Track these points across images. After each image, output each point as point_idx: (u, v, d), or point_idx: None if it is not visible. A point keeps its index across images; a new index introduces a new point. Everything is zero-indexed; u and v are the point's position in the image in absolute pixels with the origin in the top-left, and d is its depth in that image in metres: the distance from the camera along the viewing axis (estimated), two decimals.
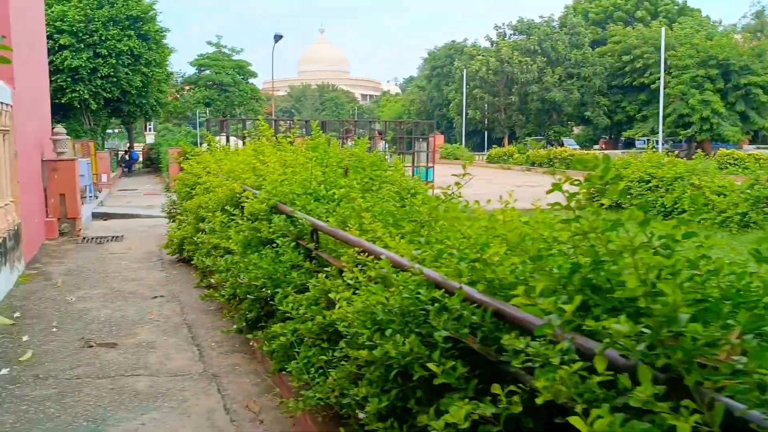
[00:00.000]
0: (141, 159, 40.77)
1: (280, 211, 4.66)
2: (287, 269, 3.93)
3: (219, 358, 4.97)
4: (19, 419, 3.86)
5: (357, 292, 2.84)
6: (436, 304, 2.21)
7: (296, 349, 3.55)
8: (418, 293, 2.26)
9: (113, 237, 10.58)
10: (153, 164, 36.43)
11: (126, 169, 35.09)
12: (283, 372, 4.07)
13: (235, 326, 5.07)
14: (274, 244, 4.54)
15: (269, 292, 4.06)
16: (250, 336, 4.66)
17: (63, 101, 26.48)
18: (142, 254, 9.18)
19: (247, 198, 5.39)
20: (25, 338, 5.36)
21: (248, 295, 4.74)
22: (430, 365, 2.06)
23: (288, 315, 3.61)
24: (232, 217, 5.88)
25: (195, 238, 7.27)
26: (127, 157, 36.64)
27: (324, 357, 3.14)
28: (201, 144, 49.94)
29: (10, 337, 5.42)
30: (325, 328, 3.30)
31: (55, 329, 5.64)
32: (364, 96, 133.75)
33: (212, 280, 6.16)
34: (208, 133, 11.05)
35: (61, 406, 4.06)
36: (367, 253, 3.06)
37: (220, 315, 6.04)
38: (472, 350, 2.12)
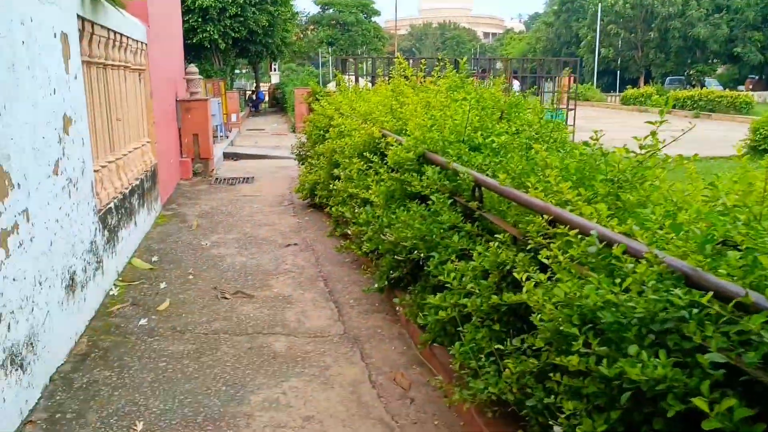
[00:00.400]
0: (267, 99, 41.59)
1: (429, 161, 4.11)
2: (444, 231, 3.39)
3: (359, 319, 4.58)
4: (157, 378, 3.65)
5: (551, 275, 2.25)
6: (695, 311, 1.59)
7: (458, 328, 3.04)
8: (668, 293, 1.63)
9: (244, 178, 10.54)
10: (278, 104, 37.04)
11: (253, 109, 35.87)
12: (434, 344, 3.60)
13: (376, 285, 4.65)
14: (425, 201, 4.01)
15: (422, 255, 3.56)
16: (396, 300, 4.20)
17: (194, 41, 27.08)
18: (273, 197, 9.02)
19: (389, 145, 4.88)
20: (162, 285, 5.23)
21: (394, 255, 4.28)
22: (697, 401, 1.45)
23: (446, 284, 3.09)
24: (370, 165, 5.41)
25: (328, 185, 6.92)
26: (254, 96, 37.40)
27: (500, 346, 2.60)
28: (325, 84, 50.29)
29: (149, 283, 5.31)
30: (496, 307, 2.75)
31: (191, 276, 5.49)
32: (486, 34, 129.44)
33: (348, 231, 5.78)
34: (338, 72, 10.60)
35: (199, 365, 3.82)
36: (557, 223, 2.45)
37: (357, 269, 5.66)
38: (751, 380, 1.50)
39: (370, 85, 12.45)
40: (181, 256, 6.08)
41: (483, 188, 3.34)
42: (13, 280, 3.11)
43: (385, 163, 5.02)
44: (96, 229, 4.78)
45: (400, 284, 4.56)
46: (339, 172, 6.18)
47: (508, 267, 2.73)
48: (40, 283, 3.49)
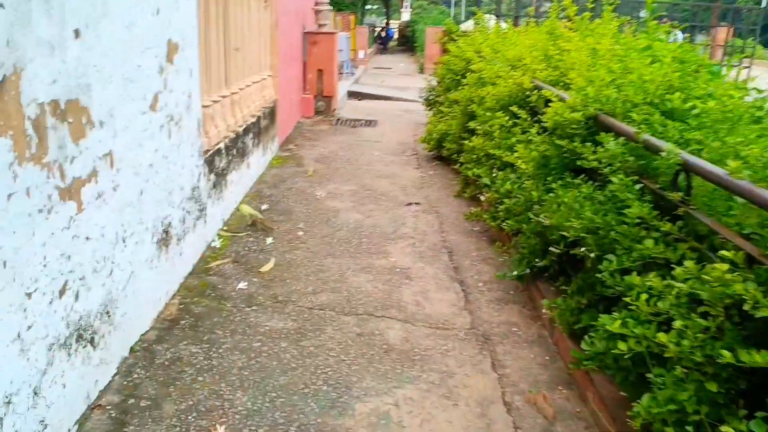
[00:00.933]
0: (396, 37, 40.62)
1: (605, 126, 3.17)
2: (628, 227, 2.50)
3: (489, 309, 3.80)
4: (249, 363, 3.07)
5: None
6: None
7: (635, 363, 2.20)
8: None
9: (367, 121, 9.86)
10: (407, 43, 35.99)
11: (381, 46, 35.08)
12: (589, 366, 2.76)
13: (514, 272, 3.83)
14: (591, 178, 3.11)
15: (592, 254, 2.69)
16: (544, 302, 3.37)
17: None
18: (395, 145, 8.29)
19: (546, 99, 3.96)
20: (268, 241, 4.68)
21: (543, 242, 3.44)
22: None
23: (628, 304, 2.23)
24: (516, 122, 4.52)
25: (460, 138, 6.08)
26: (383, 34, 36.54)
27: (729, 416, 1.74)
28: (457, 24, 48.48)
29: (254, 236, 4.77)
30: (715, 357, 1.88)
31: (301, 232, 4.90)
32: None
33: (481, 196, 4.95)
34: (479, 10, 9.53)
35: (299, 351, 3.21)
36: None
37: (489, 243, 4.85)
38: None
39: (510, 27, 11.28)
40: (293, 207, 5.51)
41: (693, 176, 2.40)
42: (87, 239, 2.57)
43: (537, 122, 4.11)
44: (200, 173, 4.24)
45: (545, 273, 3.72)
46: (475, 126, 5.32)
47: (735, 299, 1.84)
48: (124, 240, 2.96)
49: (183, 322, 3.43)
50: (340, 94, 11.24)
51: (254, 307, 3.65)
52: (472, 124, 5.42)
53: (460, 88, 6.88)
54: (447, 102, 7.50)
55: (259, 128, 6.33)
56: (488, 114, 4.90)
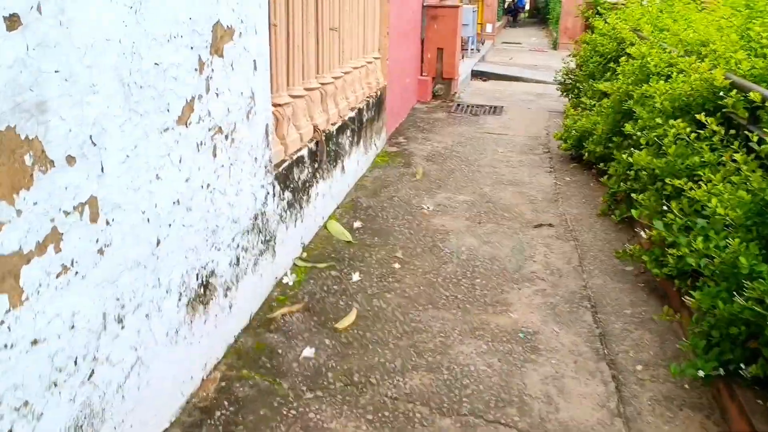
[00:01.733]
0: (527, 8, 38.36)
1: None
2: None
3: (654, 417, 2.59)
4: None
5: None
6: None
7: None
8: None
9: (491, 107, 8.60)
10: (539, 14, 33.77)
11: (511, 18, 33.09)
12: None
13: (699, 369, 2.57)
14: None
15: None
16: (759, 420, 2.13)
17: None
18: (524, 139, 7.01)
19: (753, 107, 2.63)
20: (354, 277, 3.67)
21: (752, 332, 2.19)
22: None
23: None
24: (700, 133, 3.20)
25: (609, 140, 4.79)
26: (513, 5, 34.48)
27: None
28: None
29: (339, 268, 3.79)
30: None
31: (397, 264, 3.86)
32: None
33: (640, 232, 3.68)
34: None
35: None
36: None
37: (647, 293, 3.58)
38: None
39: None
40: (392, 225, 4.47)
41: None
42: (33, 343, 1.66)
43: (736, 138, 2.80)
44: (268, 194, 3.29)
45: (744, 370, 2.46)
46: (634, 132, 4.01)
47: None
48: (120, 320, 2.04)
49: (219, 413, 2.50)
50: (462, 76, 10.03)
51: (318, 393, 2.65)
52: (628, 128, 4.10)
53: (609, 76, 5.53)
54: (590, 92, 6.14)
55: (360, 123, 5.32)
56: (657, 120, 3.58)
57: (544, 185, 5.44)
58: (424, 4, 8.50)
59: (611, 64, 5.89)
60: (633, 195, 3.68)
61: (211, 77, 2.55)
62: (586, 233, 4.44)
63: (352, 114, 5.08)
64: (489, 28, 18.24)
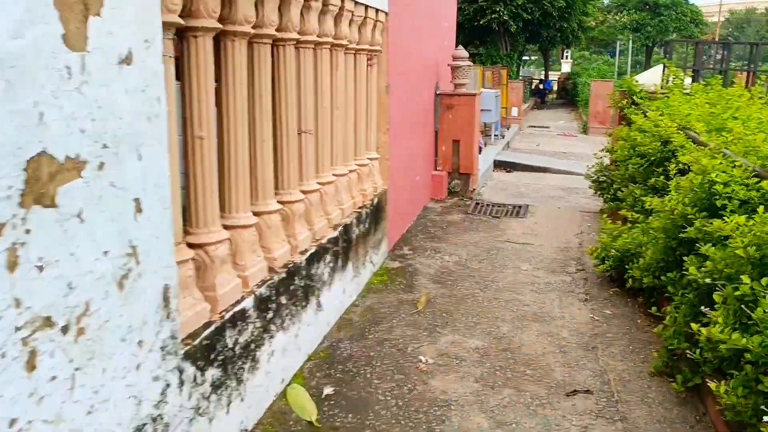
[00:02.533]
0: (555, 89, 38.05)
1: None
2: None
3: None
4: None
5: None
6: None
7: None
8: None
9: (514, 207, 7.53)
10: (567, 96, 33.26)
11: (539, 100, 32.61)
12: None
13: None
14: None
15: None
16: None
17: (481, 23, 24.65)
18: (552, 251, 5.89)
19: None
20: None
21: None
22: None
23: None
24: None
25: (662, 266, 3.67)
26: (540, 86, 34.10)
27: None
28: (625, 77, 44.74)
29: None
30: None
31: None
32: None
33: (715, 404, 2.49)
34: (671, 64, 7.00)
35: None
36: None
37: None
38: None
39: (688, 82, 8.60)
40: (375, 391, 3.34)
41: None
42: None
43: None
44: (167, 386, 2.22)
45: None
46: (699, 276, 2.89)
47: None
48: None
49: None
50: (484, 167, 9.05)
51: None
52: (693, 271, 2.98)
53: (655, 182, 4.47)
54: (631, 199, 5.05)
55: (348, 242, 4.29)
56: (739, 270, 2.46)
57: (578, 322, 4.28)
58: (437, 92, 7.62)
59: (656, 168, 4.82)
60: (705, 370, 2.53)
61: (21, 243, 1.53)
62: (637, 407, 3.24)
63: (335, 234, 4.05)
64: (515, 111, 17.49)
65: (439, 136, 7.80)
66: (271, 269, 3.17)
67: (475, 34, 27.04)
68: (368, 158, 5.03)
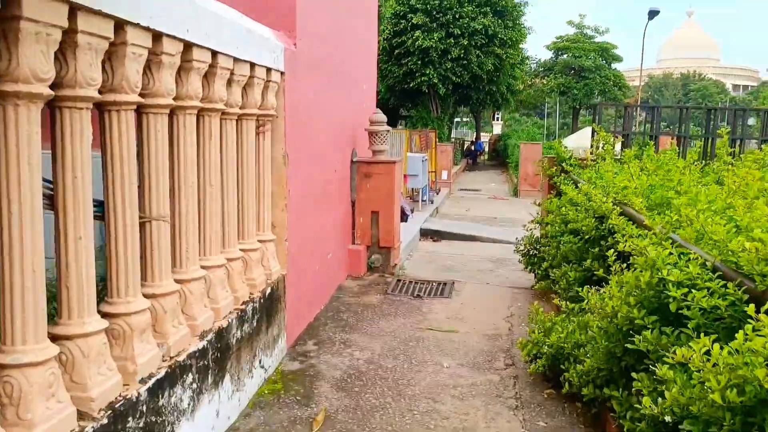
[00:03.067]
0: (487, 150, 38.50)
1: None
2: None
3: None
4: None
5: None
6: None
7: None
8: None
9: (439, 285, 6.81)
10: (499, 156, 33.57)
11: (471, 161, 32.77)
12: None
13: None
14: None
15: None
16: None
17: (411, 86, 24.61)
18: (479, 340, 5.16)
19: None
20: None
21: None
22: None
23: None
24: None
25: (607, 371, 2.98)
26: (472, 147, 34.37)
27: None
28: (553, 139, 45.88)
29: None
30: None
31: None
32: (736, 87, 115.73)
33: None
34: (601, 128, 6.56)
35: None
36: None
37: None
38: None
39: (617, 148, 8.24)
40: None
41: None
42: None
43: None
44: None
45: None
46: (648, 399, 2.18)
47: None
48: None
49: None
50: (408, 238, 8.37)
51: None
52: (645, 400, 2.28)
53: (590, 264, 3.84)
54: (564, 282, 4.41)
55: (222, 350, 3.43)
56: (718, 415, 1.76)
57: None
58: (354, 160, 6.95)
59: (592, 248, 4.20)
60: None
61: None
62: None
63: (202, 344, 3.19)
64: (444, 174, 17.11)
65: (357, 207, 7.08)
66: (84, 416, 2.29)
67: (407, 96, 27.04)
68: (260, 241, 4.24)
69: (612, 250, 3.40)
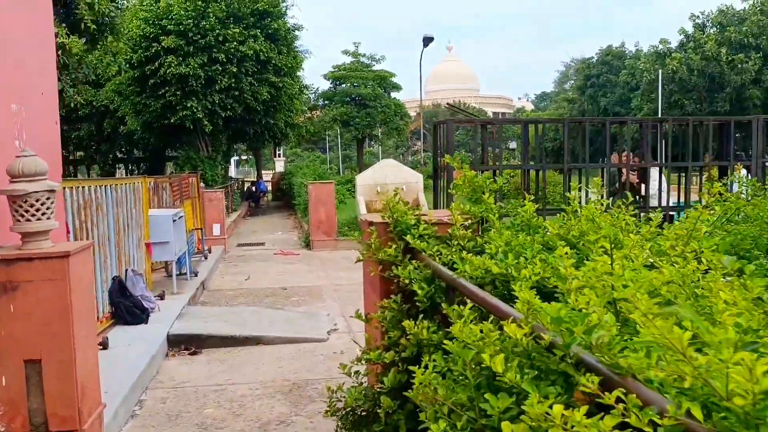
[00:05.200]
0: (269, 190, 35.08)
1: None
2: None
3: None
4: None
5: None
6: None
7: None
8: None
9: None
10: (284, 196, 30.35)
11: (253, 204, 29.15)
12: None
13: None
14: None
15: None
16: None
17: (173, 121, 20.51)
18: None
19: None
20: None
21: None
22: None
23: None
24: None
25: None
26: (253, 189, 30.79)
27: None
28: (340, 172, 43.69)
29: None
30: None
31: None
32: (495, 114, 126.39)
33: None
34: (455, 159, 3.53)
35: None
36: None
37: None
38: None
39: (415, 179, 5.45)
40: None
41: None
42: None
43: None
44: None
45: None
46: None
47: None
48: None
49: None
50: (137, 370, 4.72)
51: None
52: None
53: None
54: None
55: None
56: None
57: None
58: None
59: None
60: None
61: None
62: None
63: None
64: (216, 229, 13.43)
65: None
66: None
67: (168, 134, 22.85)
68: None
69: None
